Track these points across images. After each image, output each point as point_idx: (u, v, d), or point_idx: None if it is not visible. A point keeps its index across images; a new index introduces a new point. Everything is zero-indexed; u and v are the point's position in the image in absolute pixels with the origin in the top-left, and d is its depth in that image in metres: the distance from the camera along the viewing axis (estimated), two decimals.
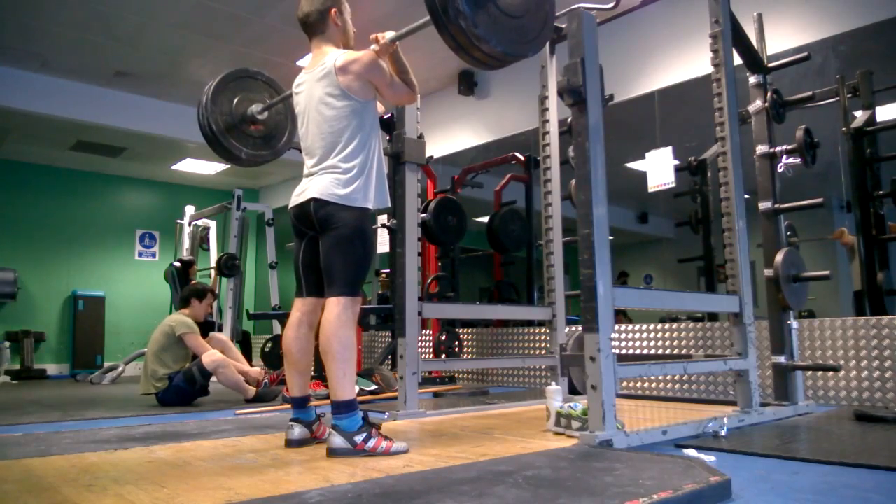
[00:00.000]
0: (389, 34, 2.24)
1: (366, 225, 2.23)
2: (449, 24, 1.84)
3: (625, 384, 4.13)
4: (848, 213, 4.17)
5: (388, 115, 3.93)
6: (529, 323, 5.20)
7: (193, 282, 6.30)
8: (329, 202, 2.17)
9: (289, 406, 2.74)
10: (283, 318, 6.97)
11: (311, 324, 2.34)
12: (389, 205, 2.38)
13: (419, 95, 3.42)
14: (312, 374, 3.29)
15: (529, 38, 2.05)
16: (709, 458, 1.95)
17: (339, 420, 2.05)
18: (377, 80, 2.25)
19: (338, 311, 2.12)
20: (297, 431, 2.23)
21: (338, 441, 2.02)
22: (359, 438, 2.02)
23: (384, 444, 2.05)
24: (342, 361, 2.09)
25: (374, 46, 2.23)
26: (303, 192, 2.25)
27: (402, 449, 2.08)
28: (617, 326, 4.18)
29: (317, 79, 2.26)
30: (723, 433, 2.34)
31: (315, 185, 2.21)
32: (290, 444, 2.21)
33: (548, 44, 3.71)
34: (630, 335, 4.31)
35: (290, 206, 2.30)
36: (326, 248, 2.21)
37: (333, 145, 2.21)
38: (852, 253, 4.27)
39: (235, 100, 2.88)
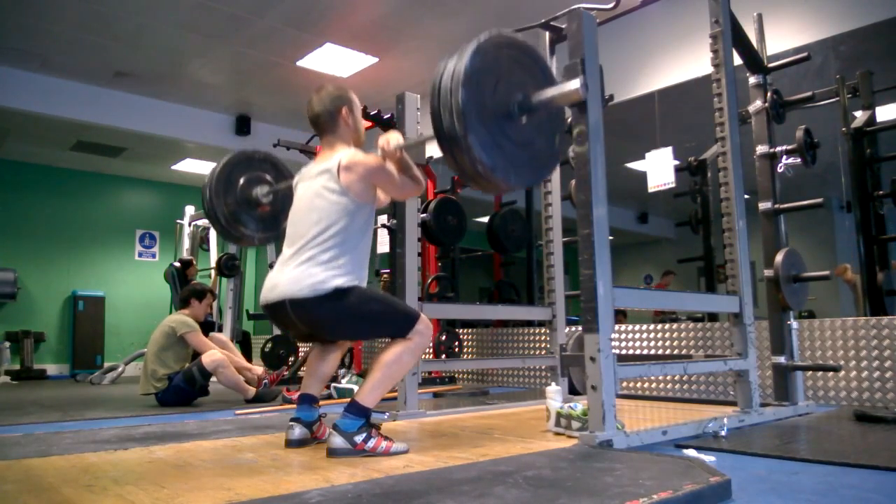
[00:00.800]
0: (395, 141, 2.18)
1: (352, 294, 2.09)
2: (465, 166, 1.82)
3: (625, 384, 4.13)
4: (848, 214, 4.17)
5: (389, 114, 3.93)
6: (529, 323, 5.20)
7: (193, 282, 6.30)
8: (305, 299, 2.05)
9: (289, 406, 2.74)
10: None
11: (341, 345, 2.40)
12: None
13: (418, 95, 3.44)
14: None
15: (542, 161, 2.01)
16: (709, 458, 1.95)
17: (342, 420, 2.05)
18: (382, 182, 2.22)
19: (406, 344, 2.13)
20: (298, 431, 2.23)
21: (338, 441, 2.02)
22: (359, 438, 2.02)
23: (384, 444, 2.05)
24: (387, 376, 2.10)
25: (379, 151, 2.19)
26: (274, 286, 2.13)
27: (402, 449, 2.08)
28: (617, 326, 4.18)
29: (319, 171, 2.22)
30: (723, 433, 2.34)
31: (287, 279, 2.10)
32: (290, 444, 2.21)
33: (548, 43, 3.71)
34: (630, 335, 4.31)
35: (262, 302, 2.19)
36: (345, 338, 2.15)
37: (315, 236, 2.12)
38: (855, 290, 4.26)
39: (240, 184, 2.81)
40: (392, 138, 2.20)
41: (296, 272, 2.10)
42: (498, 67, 1.86)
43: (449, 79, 1.76)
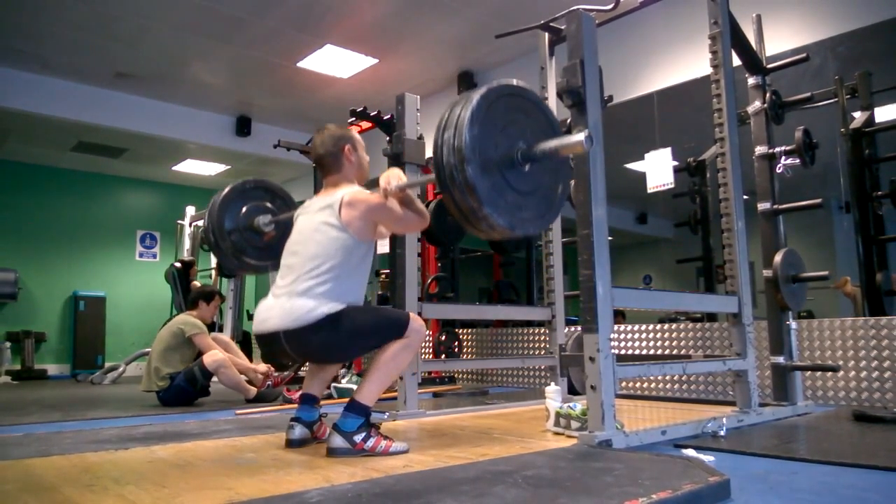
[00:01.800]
0: (396, 180, 2.18)
1: (345, 315, 2.09)
2: (485, 232, 1.85)
3: (624, 384, 4.13)
4: (847, 214, 4.18)
5: (389, 115, 3.94)
6: (529, 323, 5.21)
7: (200, 284, 6.31)
8: (299, 329, 2.06)
9: (289, 406, 2.75)
10: None
11: None
12: None
13: (418, 96, 3.44)
14: None
15: (551, 200, 2.01)
16: (708, 458, 1.96)
17: (342, 419, 2.06)
18: (384, 219, 2.23)
19: (402, 342, 2.14)
20: (298, 431, 2.24)
21: (337, 441, 2.03)
22: (358, 438, 2.03)
23: (383, 443, 2.06)
24: (384, 374, 2.12)
25: (380, 191, 2.20)
26: (267, 318, 2.14)
27: (402, 449, 2.09)
28: (616, 327, 4.19)
29: (321, 206, 2.24)
30: (722, 433, 2.35)
31: (279, 311, 2.11)
32: (291, 443, 2.22)
33: (547, 45, 3.72)
34: (629, 335, 4.32)
35: (255, 332, 2.20)
36: (342, 359, 2.16)
37: (310, 269, 2.13)
38: (855, 302, 4.27)
39: (239, 218, 2.83)
40: (393, 177, 2.20)
41: (288, 304, 2.10)
42: (495, 122, 1.85)
43: (451, 154, 1.75)
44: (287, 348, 2.12)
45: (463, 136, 1.74)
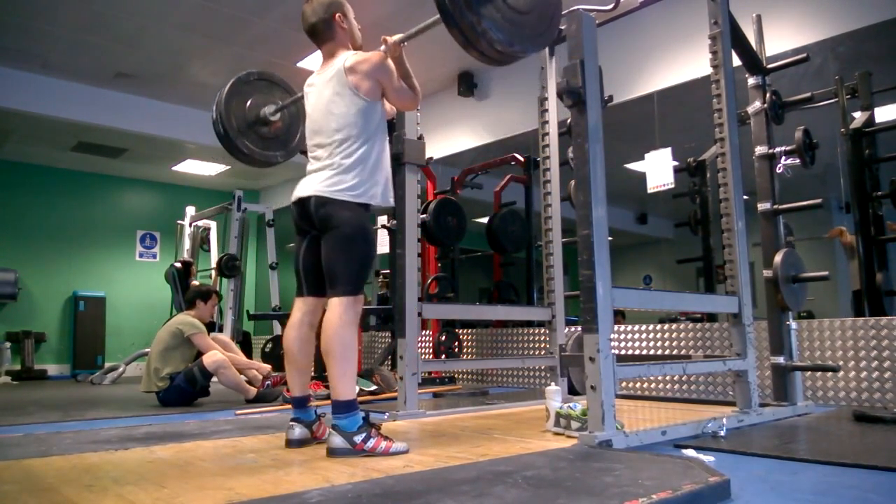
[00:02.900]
0: (397, 35, 2.29)
1: (366, 223, 2.24)
2: (484, 50, 1.89)
3: (624, 384, 4.13)
4: (847, 214, 4.17)
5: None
6: (529, 323, 5.21)
7: (197, 283, 6.31)
8: (329, 199, 2.18)
9: (289, 406, 2.75)
10: (283, 319, 7.04)
11: (312, 323, 2.36)
12: (393, 204, 2.40)
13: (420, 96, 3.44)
14: (312, 374, 3.31)
15: (548, 18, 2.07)
16: (708, 458, 1.96)
17: (338, 420, 2.06)
18: (385, 80, 2.29)
19: (340, 311, 2.13)
20: (298, 431, 2.24)
21: (337, 441, 2.03)
22: (358, 438, 2.03)
23: (384, 444, 2.06)
24: (343, 361, 2.10)
25: (382, 47, 2.28)
26: (306, 187, 2.26)
27: (402, 449, 2.08)
28: (616, 327, 4.19)
29: (327, 79, 2.30)
30: (722, 433, 2.35)
31: (315, 180, 2.24)
32: (291, 444, 2.22)
33: (547, 45, 3.72)
34: (629, 335, 4.32)
35: (292, 200, 2.31)
36: (328, 248, 2.22)
37: (337, 143, 2.23)
38: (851, 252, 4.26)
39: (248, 102, 2.92)
40: (395, 36, 2.30)
41: (326, 177, 2.21)
42: None
43: None
44: (312, 212, 2.21)
45: None
